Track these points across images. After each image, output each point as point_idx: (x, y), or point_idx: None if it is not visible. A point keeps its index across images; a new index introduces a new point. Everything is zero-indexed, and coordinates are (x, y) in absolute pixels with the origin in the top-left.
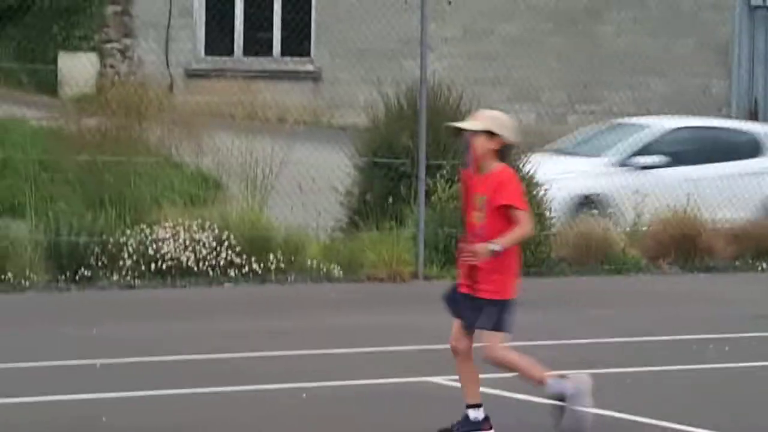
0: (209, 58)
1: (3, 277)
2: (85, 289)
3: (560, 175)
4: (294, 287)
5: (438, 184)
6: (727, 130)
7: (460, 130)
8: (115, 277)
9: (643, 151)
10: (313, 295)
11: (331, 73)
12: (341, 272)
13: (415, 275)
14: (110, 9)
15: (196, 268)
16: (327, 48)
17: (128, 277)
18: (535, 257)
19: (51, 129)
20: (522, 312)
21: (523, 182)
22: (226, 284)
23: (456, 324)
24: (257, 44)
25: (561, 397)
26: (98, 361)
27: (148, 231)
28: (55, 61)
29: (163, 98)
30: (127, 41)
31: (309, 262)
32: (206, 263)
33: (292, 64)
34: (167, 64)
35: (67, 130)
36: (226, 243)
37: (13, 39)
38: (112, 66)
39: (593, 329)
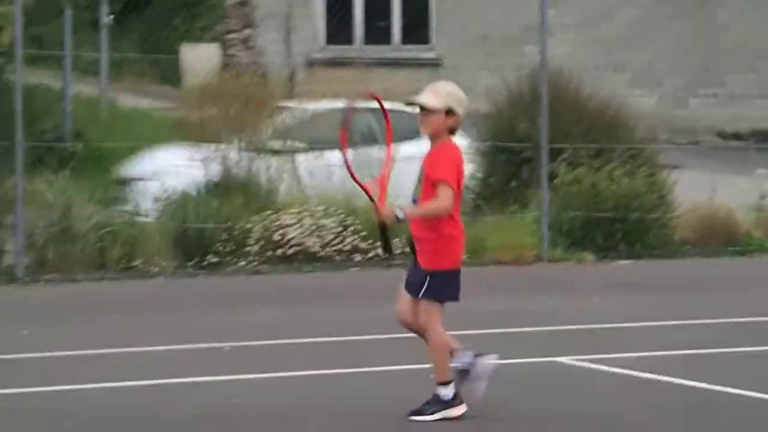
0: (330, 47)
1: (132, 264)
2: (212, 275)
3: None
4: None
5: (560, 168)
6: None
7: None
8: (242, 263)
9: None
10: None
11: (452, 60)
12: (465, 256)
13: (539, 258)
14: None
15: (321, 254)
16: (447, 35)
17: (254, 263)
18: (659, 240)
19: (174, 119)
20: (650, 294)
21: (648, 166)
22: (352, 269)
23: (403, 298)
24: (377, 32)
25: (440, 402)
26: (227, 344)
27: (273, 217)
28: (177, 52)
29: (283, 87)
30: (249, 31)
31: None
32: (332, 249)
33: (412, 51)
34: (288, 54)
35: (190, 120)
36: (351, 228)
37: (136, 31)
38: (233, 56)
39: (722, 310)
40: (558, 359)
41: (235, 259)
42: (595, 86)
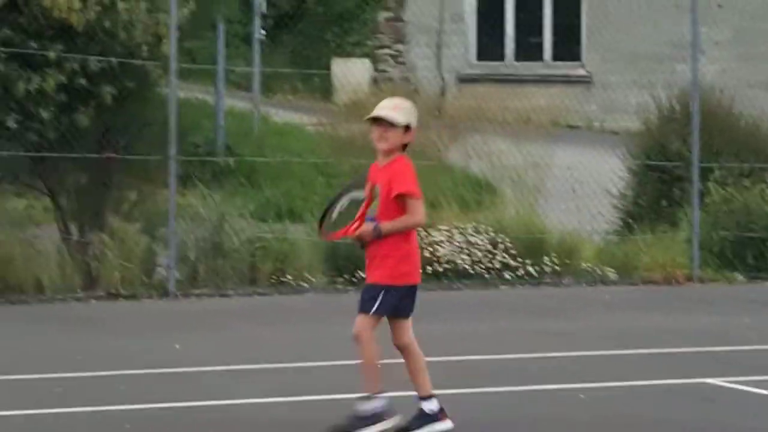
0: (480, 63)
1: (283, 278)
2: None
3: None
4: (568, 290)
5: (711, 187)
6: None
7: (376, 119)
8: None
9: None
10: (588, 297)
11: (603, 77)
12: (616, 275)
13: (690, 278)
14: (383, 15)
15: (471, 271)
16: (598, 52)
17: None
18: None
19: (326, 134)
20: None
21: None
22: (501, 286)
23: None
24: (528, 49)
25: (369, 418)
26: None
27: (423, 234)
28: (328, 66)
29: (435, 103)
30: (400, 47)
31: (583, 265)
32: (481, 266)
33: (563, 68)
34: (439, 69)
35: (341, 134)
36: (501, 246)
37: (288, 45)
38: (384, 71)
39: None
40: (707, 380)
41: None
42: (747, 105)
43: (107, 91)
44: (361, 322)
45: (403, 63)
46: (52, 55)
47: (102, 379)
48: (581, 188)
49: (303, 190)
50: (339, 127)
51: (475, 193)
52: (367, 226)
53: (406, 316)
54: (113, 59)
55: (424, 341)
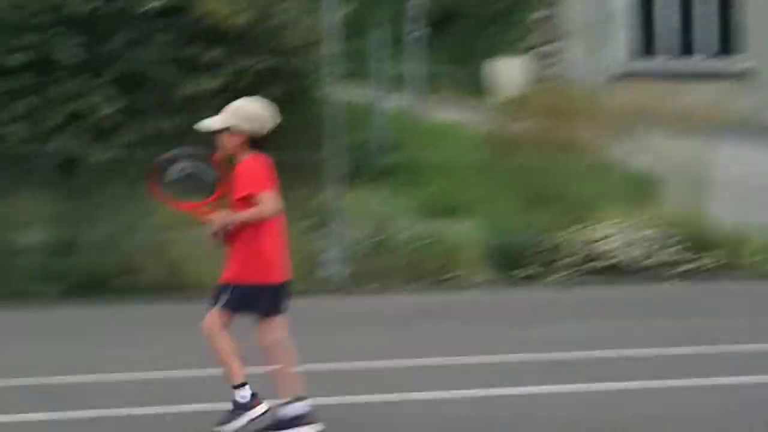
0: (637, 60)
1: (448, 275)
2: (529, 287)
3: None
4: (738, 284)
5: None
6: None
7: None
8: (558, 275)
9: None
10: (755, 293)
11: (762, 73)
12: None
13: None
14: (539, 14)
15: (635, 267)
16: (756, 47)
17: (571, 275)
18: None
19: (484, 132)
20: None
21: None
22: (667, 283)
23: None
24: (685, 45)
25: (241, 406)
26: (540, 355)
27: (585, 231)
28: (486, 65)
29: (592, 100)
30: (556, 45)
31: (751, 260)
32: (645, 262)
33: (721, 64)
34: (596, 67)
35: (500, 133)
36: (665, 242)
37: (446, 44)
38: (541, 69)
39: None
40: None
41: (551, 271)
42: None
43: (268, 93)
44: (210, 316)
45: (559, 61)
46: (210, 59)
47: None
48: (745, 183)
49: (463, 187)
50: (498, 125)
51: (637, 189)
52: (214, 219)
53: (262, 315)
54: (273, 61)
55: (573, 340)
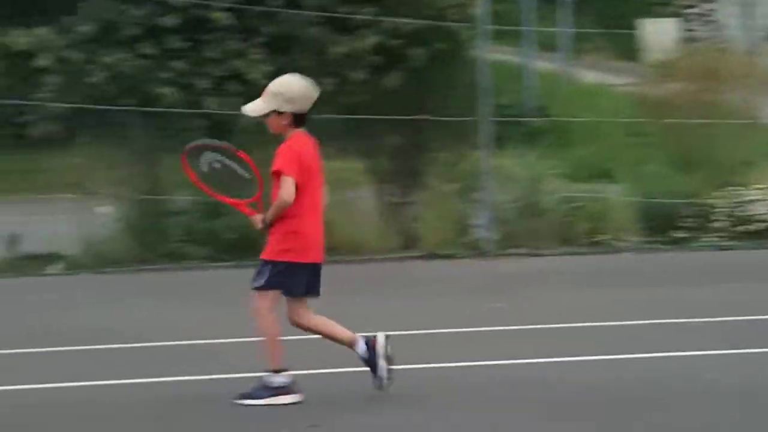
0: None
1: (598, 238)
2: (679, 251)
3: None
4: None
5: None
6: None
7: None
8: (708, 238)
9: None
10: None
11: None
12: None
13: None
14: None
15: None
16: None
17: (721, 238)
18: None
19: (635, 94)
20: None
21: None
22: None
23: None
24: None
25: (270, 389)
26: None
27: (735, 193)
28: (636, 27)
29: (743, 62)
30: (708, 6)
31: None
32: None
33: None
34: (748, 28)
35: (651, 95)
36: None
37: (595, 6)
38: (692, 31)
39: None
40: None
41: (701, 235)
42: None
43: (418, 53)
44: (254, 297)
45: (712, 22)
46: (364, 18)
47: (418, 337)
48: None
49: (613, 150)
50: (648, 87)
51: None
52: (257, 219)
53: (296, 295)
54: (424, 21)
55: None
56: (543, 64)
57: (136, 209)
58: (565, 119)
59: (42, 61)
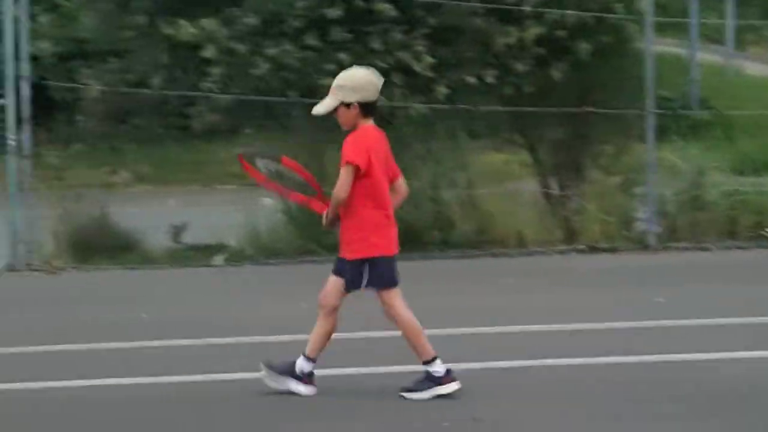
0: None
1: (763, 232)
2: None
3: None
4: None
5: None
6: None
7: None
8: None
9: None
10: None
11: None
12: None
13: None
14: None
15: None
16: None
17: None
18: None
19: None
20: None
21: None
22: None
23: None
24: None
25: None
26: None
27: None
28: None
29: None
30: None
31: None
32: None
33: None
34: None
35: None
36: None
37: None
38: None
39: None
40: None
41: None
42: None
43: (583, 46)
44: (385, 297)
45: None
46: (529, 8)
47: (589, 331)
48: None
49: None
50: None
51: None
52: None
53: (383, 287)
54: (590, 14)
55: None
56: (707, 56)
57: None
58: (730, 112)
59: (207, 53)
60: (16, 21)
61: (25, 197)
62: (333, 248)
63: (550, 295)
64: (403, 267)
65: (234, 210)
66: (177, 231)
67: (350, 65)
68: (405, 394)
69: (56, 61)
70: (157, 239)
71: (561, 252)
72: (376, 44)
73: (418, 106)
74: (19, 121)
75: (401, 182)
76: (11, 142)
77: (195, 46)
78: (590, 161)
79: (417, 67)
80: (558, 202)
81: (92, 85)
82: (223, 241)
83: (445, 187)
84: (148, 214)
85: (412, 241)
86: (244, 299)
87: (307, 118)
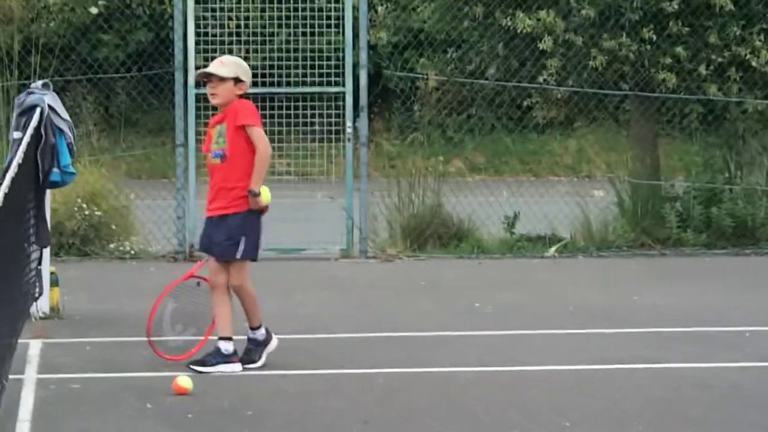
0: None
1: None
2: None
3: None
4: None
5: None
6: None
7: (208, 75)
8: None
9: None
10: None
11: None
12: None
13: None
14: None
15: None
16: None
17: None
18: None
19: None
20: None
21: None
22: None
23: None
24: None
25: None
26: None
27: None
28: None
29: None
30: None
31: None
32: None
33: None
34: None
35: None
36: None
37: None
38: None
39: None
40: None
41: None
42: None
43: None
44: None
45: None
46: None
47: None
48: None
49: None
50: None
51: None
52: (251, 199)
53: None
54: None
55: None
56: None
57: (634, 193)
58: None
59: (544, 45)
60: (356, 11)
61: (360, 184)
62: (667, 242)
63: None
64: (736, 262)
65: (565, 201)
66: (511, 221)
67: (687, 59)
68: (195, 367)
69: (392, 51)
70: (490, 229)
71: None
72: (713, 38)
73: (754, 102)
74: (356, 108)
75: None
76: (349, 129)
77: (532, 38)
78: None
79: (755, 62)
80: None
81: (429, 76)
82: (555, 232)
83: None
84: (482, 203)
85: (745, 236)
86: (618, 289)
87: (641, 111)
